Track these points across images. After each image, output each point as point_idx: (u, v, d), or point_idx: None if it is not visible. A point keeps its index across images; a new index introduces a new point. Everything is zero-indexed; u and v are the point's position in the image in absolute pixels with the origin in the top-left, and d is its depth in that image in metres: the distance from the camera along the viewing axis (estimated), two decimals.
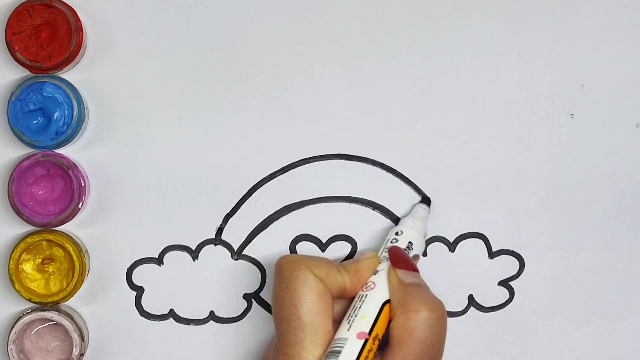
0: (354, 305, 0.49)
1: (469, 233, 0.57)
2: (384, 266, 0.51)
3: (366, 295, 0.50)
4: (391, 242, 0.53)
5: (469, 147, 0.57)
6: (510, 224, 0.57)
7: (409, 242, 0.53)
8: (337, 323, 0.50)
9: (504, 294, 0.57)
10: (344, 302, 0.51)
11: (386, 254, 0.52)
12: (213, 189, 0.56)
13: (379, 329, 0.49)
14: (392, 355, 0.48)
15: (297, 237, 0.57)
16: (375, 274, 0.51)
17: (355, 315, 0.49)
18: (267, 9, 0.56)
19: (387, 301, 0.50)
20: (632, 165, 0.57)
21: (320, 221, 0.57)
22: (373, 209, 0.57)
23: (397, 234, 0.54)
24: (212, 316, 0.57)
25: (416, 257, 0.54)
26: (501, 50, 0.57)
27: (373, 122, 0.57)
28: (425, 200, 0.56)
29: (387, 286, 0.50)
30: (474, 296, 0.57)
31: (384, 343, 0.49)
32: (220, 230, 0.56)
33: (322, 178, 0.57)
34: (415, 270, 0.51)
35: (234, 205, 0.56)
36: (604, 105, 0.57)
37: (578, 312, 0.58)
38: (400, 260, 0.51)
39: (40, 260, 0.55)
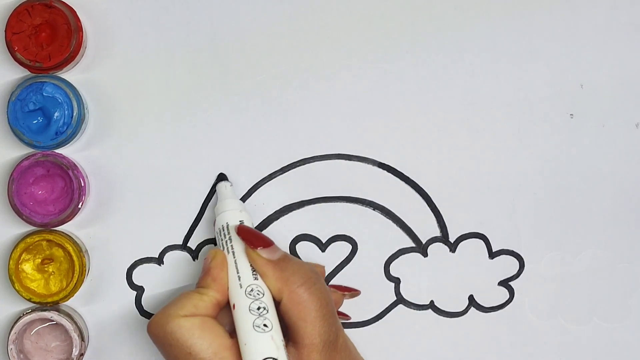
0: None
1: (469, 233, 0.57)
2: (236, 256, 0.51)
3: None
4: (222, 235, 0.52)
5: (469, 147, 0.57)
6: (510, 224, 0.57)
7: (240, 221, 0.52)
8: (232, 332, 0.49)
9: (504, 294, 0.58)
10: (227, 310, 0.51)
11: (228, 245, 0.51)
12: (213, 188, 0.56)
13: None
14: (302, 331, 0.48)
15: (297, 237, 0.57)
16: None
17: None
18: (267, 9, 0.56)
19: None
20: (632, 165, 0.57)
21: (320, 221, 0.57)
22: (373, 209, 0.57)
23: (222, 226, 0.53)
24: None
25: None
26: (501, 50, 0.57)
27: (373, 122, 0.57)
28: (221, 177, 0.56)
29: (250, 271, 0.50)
30: (474, 296, 0.57)
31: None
32: None
33: (322, 178, 0.57)
34: (271, 243, 0.51)
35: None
36: (604, 105, 0.57)
37: (578, 312, 0.58)
38: (257, 238, 0.51)
39: (40, 260, 0.55)
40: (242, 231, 0.51)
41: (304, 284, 0.49)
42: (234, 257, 0.51)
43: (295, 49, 0.56)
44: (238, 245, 0.51)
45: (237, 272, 0.50)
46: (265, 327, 0.48)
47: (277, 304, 0.49)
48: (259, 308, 0.49)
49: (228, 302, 0.50)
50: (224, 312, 0.51)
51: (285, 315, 0.49)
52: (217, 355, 0.48)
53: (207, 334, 0.48)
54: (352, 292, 0.56)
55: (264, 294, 0.49)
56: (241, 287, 0.50)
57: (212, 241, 0.56)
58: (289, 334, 0.49)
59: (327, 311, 0.49)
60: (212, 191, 0.56)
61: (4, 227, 0.56)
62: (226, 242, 0.52)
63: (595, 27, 0.57)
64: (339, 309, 0.56)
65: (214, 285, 0.50)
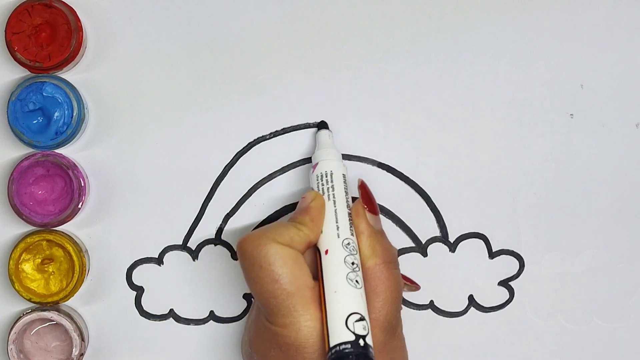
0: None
1: (469, 233, 0.57)
2: (336, 205, 0.51)
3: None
4: (323, 180, 0.52)
5: (469, 147, 0.57)
6: (510, 224, 0.57)
7: (342, 175, 0.53)
8: (314, 275, 0.49)
9: (504, 294, 0.58)
10: (311, 251, 0.51)
11: (330, 192, 0.51)
12: (213, 188, 0.56)
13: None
14: (372, 304, 0.48)
15: None
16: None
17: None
18: (267, 9, 0.56)
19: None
20: (632, 165, 0.57)
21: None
22: None
23: (327, 173, 0.52)
24: (212, 316, 0.57)
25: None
26: (501, 50, 0.57)
27: (373, 122, 0.56)
28: (323, 125, 0.56)
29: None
30: (474, 296, 0.57)
31: None
32: (220, 230, 0.56)
33: None
34: (378, 213, 0.51)
35: (234, 205, 0.56)
36: (604, 105, 0.57)
37: (578, 312, 0.58)
38: (371, 200, 0.51)
39: (40, 260, 0.55)
40: (364, 188, 0.52)
41: (390, 262, 0.49)
42: (335, 207, 0.50)
43: (295, 49, 0.56)
44: (340, 195, 0.51)
45: (336, 222, 0.50)
46: (357, 283, 0.48)
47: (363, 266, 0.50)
48: (353, 263, 0.48)
49: (312, 246, 0.50)
50: (307, 254, 0.50)
51: (365, 282, 0.49)
52: (300, 291, 0.47)
53: (297, 268, 0.48)
54: (412, 286, 0.56)
55: (357, 252, 0.49)
56: (339, 237, 0.49)
57: (212, 241, 0.56)
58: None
59: (398, 296, 0.49)
60: (212, 191, 0.56)
61: (4, 227, 0.56)
62: (328, 188, 0.51)
63: (595, 27, 0.57)
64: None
65: (311, 225, 0.50)
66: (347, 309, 0.47)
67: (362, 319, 0.46)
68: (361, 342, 0.46)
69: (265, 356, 0.49)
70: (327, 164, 0.53)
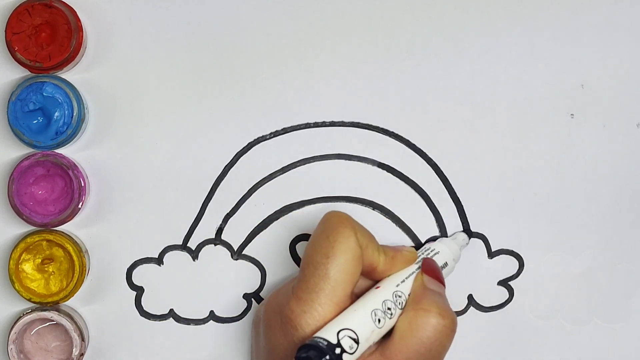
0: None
1: (468, 233, 0.57)
2: (413, 269, 0.52)
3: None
4: (428, 253, 0.53)
5: (469, 147, 0.57)
6: (510, 224, 0.57)
7: (445, 263, 0.54)
8: (355, 296, 0.49)
9: (503, 294, 0.57)
10: (365, 281, 0.51)
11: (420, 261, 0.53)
12: (213, 188, 0.56)
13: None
14: (391, 345, 0.47)
15: (297, 237, 0.57)
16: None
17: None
18: (267, 9, 0.56)
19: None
20: (632, 165, 0.57)
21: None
22: (373, 209, 0.57)
23: (434, 250, 0.54)
24: (212, 316, 0.57)
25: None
26: (501, 50, 0.57)
27: (373, 122, 0.56)
28: (468, 232, 0.57)
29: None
30: (474, 296, 0.57)
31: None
32: (220, 230, 0.56)
33: (322, 178, 0.57)
34: (442, 283, 0.51)
35: (234, 205, 0.56)
36: (604, 105, 0.57)
37: (578, 312, 0.58)
38: (432, 270, 0.52)
39: (40, 260, 0.55)
40: (426, 262, 0.52)
41: (430, 311, 0.48)
42: (415, 270, 0.52)
43: (295, 49, 0.56)
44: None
45: (406, 278, 0.51)
46: (377, 321, 0.48)
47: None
48: (389, 309, 0.49)
49: (372, 277, 0.51)
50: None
51: (395, 327, 0.48)
52: (335, 282, 0.47)
53: (351, 266, 0.48)
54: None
55: (401, 308, 0.49)
56: (397, 286, 0.50)
57: (212, 241, 0.56)
58: (385, 340, 0.48)
59: (424, 352, 0.47)
60: (212, 191, 0.56)
61: (4, 227, 0.56)
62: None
63: (595, 27, 0.57)
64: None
65: (390, 259, 0.50)
66: (348, 324, 0.46)
67: (356, 341, 0.46)
68: (337, 350, 0.45)
69: (268, 319, 0.49)
70: (450, 261, 0.54)
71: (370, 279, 0.51)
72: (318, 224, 0.50)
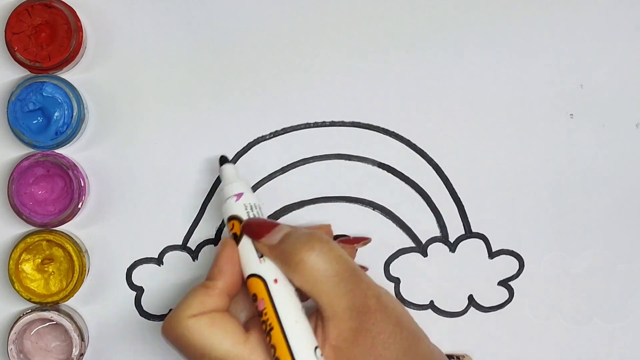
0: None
1: (469, 233, 0.57)
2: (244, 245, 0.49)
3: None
4: (230, 219, 0.50)
5: (469, 147, 0.57)
6: (510, 224, 0.57)
7: (248, 203, 0.50)
8: (249, 320, 0.49)
9: (503, 294, 0.58)
10: (242, 296, 0.50)
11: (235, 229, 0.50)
12: (213, 188, 0.56)
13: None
14: (320, 305, 0.46)
15: None
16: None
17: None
18: (267, 9, 0.56)
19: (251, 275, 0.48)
20: (632, 165, 0.57)
21: (320, 221, 0.57)
22: (373, 209, 0.57)
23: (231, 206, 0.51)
24: None
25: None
26: (501, 50, 0.57)
27: (373, 122, 0.56)
28: (223, 160, 0.53)
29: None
30: (474, 296, 0.57)
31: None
32: (220, 230, 0.56)
33: (322, 178, 0.57)
34: (274, 225, 0.48)
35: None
36: (604, 105, 0.57)
37: (578, 312, 0.58)
38: (259, 229, 0.48)
39: (40, 260, 0.55)
40: (246, 226, 0.49)
41: (304, 253, 0.46)
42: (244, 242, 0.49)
43: (295, 48, 0.56)
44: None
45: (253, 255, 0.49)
46: (304, 314, 0.47)
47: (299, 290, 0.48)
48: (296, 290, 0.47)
49: (237, 291, 0.49)
50: (239, 299, 0.49)
51: (302, 293, 0.47)
52: (230, 352, 0.46)
53: (219, 332, 0.46)
54: (364, 242, 0.54)
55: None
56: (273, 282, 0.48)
57: (212, 241, 0.56)
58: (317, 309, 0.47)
59: (343, 276, 0.46)
60: (212, 191, 0.56)
61: (4, 227, 0.56)
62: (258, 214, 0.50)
63: (595, 27, 0.57)
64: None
65: (221, 276, 0.48)
66: (312, 340, 0.46)
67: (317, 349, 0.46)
68: None
69: None
70: (228, 208, 0.51)
71: (236, 293, 0.49)
72: (173, 347, 0.48)
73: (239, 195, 0.50)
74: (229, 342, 0.46)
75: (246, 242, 0.49)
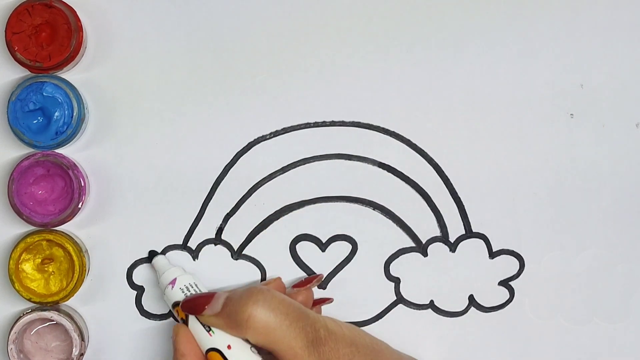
0: None
1: (469, 233, 0.57)
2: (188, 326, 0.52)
3: None
4: (174, 306, 0.53)
5: (469, 147, 0.57)
6: (511, 224, 0.57)
7: (183, 286, 0.53)
8: None
9: (504, 294, 0.58)
10: None
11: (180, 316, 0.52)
12: (213, 188, 0.56)
13: None
14: (281, 352, 0.48)
15: (297, 237, 0.57)
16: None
17: None
18: (267, 9, 0.56)
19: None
20: (632, 165, 0.57)
21: (320, 221, 0.57)
22: (373, 209, 0.57)
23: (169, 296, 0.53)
24: None
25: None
26: (501, 51, 0.57)
27: (373, 122, 0.57)
28: (152, 254, 0.56)
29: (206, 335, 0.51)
30: (474, 296, 0.57)
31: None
32: (220, 230, 0.56)
33: (322, 178, 0.57)
34: (211, 296, 0.51)
35: (234, 205, 0.56)
36: (604, 105, 0.57)
37: (578, 312, 0.58)
38: (198, 306, 0.51)
39: (40, 260, 0.55)
40: (184, 306, 0.51)
41: (249, 315, 0.48)
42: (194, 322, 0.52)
43: (295, 48, 0.56)
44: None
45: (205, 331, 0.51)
46: None
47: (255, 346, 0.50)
48: (254, 347, 0.50)
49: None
50: None
51: (262, 348, 0.49)
52: None
53: None
54: (315, 279, 0.55)
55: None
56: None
57: (212, 241, 0.56)
58: (277, 357, 0.49)
59: (290, 319, 0.49)
60: (213, 191, 0.56)
61: (4, 227, 0.56)
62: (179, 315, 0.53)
63: (595, 27, 0.57)
64: (318, 297, 0.56)
65: (185, 359, 0.50)
66: None
67: None
68: None
69: None
70: (186, 278, 0.53)
71: None
72: None
73: (173, 282, 0.53)
74: None
75: (193, 322, 0.51)
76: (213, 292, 0.51)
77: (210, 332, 0.50)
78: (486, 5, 0.56)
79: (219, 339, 0.50)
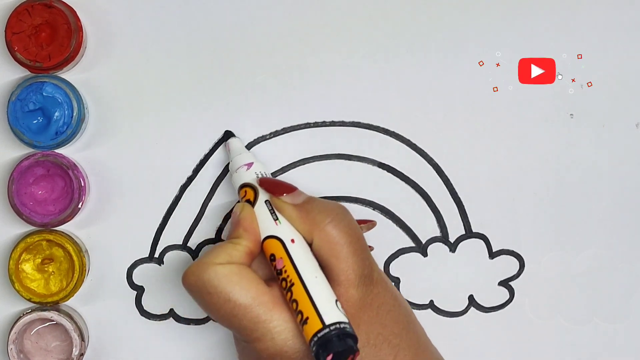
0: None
1: (469, 233, 0.57)
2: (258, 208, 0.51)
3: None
4: (242, 187, 0.52)
5: (469, 147, 0.57)
6: (511, 224, 0.57)
7: (259, 172, 0.53)
8: (271, 280, 0.49)
9: (504, 294, 0.58)
10: (261, 259, 0.51)
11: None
12: (213, 188, 0.56)
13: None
14: (336, 268, 0.48)
15: None
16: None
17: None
18: (267, 9, 0.56)
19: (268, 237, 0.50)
20: (632, 165, 0.57)
21: None
22: (373, 209, 0.57)
23: (248, 170, 0.53)
24: None
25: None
26: (501, 50, 0.57)
27: (373, 121, 0.56)
28: (228, 134, 0.56)
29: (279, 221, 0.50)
30: (474, 296, 0.57)
31: None
32: (220, 230, 0.56)
33: (322, 178, 0.57)
34: (294, 188, 0.51)
35: (233, 205, 0.56)
36: (604, 105, 0.57)
37: (578, 312, 0.58)
38: (278, 187, 0.51)
39: (40, 260, 0.55)
40: (264, 182, 0.51)
41: (331, 221, 0.48)
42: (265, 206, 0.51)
43: (295, 49, 0.56)
44: (263, 196, 0.51)
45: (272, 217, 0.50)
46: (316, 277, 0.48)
47: (310, 245, 0.49)
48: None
49: (262, 251, 0.50)
50: (258, 262, 0.50)
51: (318, 255, 0.49)
52: (256, 300, 0.47)
53: (244, 281, 0.47)
54: (369, 224, 0.55)
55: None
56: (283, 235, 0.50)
57: (212, 241, 0.56)
58: (326, 272, 0.48)
59: (358, 246, 0.49)
60: (213, 191, 0.56)
61: (4, 227, 0.56)
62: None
63: (595, 27, 0.57)
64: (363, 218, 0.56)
65: (246, 235, 0.50)
66: (332, 293, 0.47)
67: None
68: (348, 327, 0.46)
69: None
70: (263, 166, 0.53)
71: (256, 257, 0.50)
72: (191, 294, 0.49)
73: (250, 165, 0.53)
74: (254, 291, 0.47)
75: (261, 206, 0.51)
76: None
77: (277, 221, 0.50)
78: (486, 5, 0.56)
79: (285, 230, 0.49)
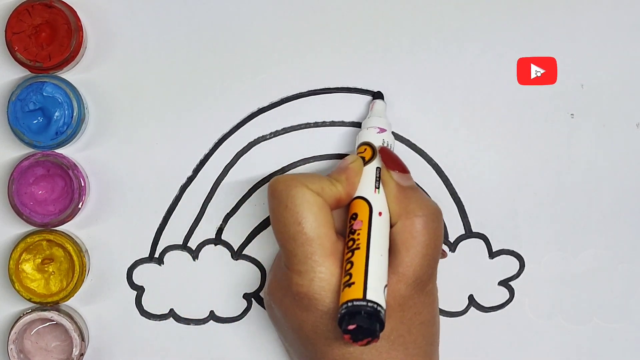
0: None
1: (469, 233, 0.57)
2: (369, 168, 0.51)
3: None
4: (363, 144, 0.53)
5: (469, 147, 0.57)
6: (510, 224, 0.57)
7: (387, 141, 0.53)
8: (339, 234, 0.49)
9: (504, 294, 0.57)
10: (341, 212, 0.51)
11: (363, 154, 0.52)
12: (213, 188, 0.56)
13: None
14: (400, 262, 0.48)
15: None
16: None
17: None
18: (267, 9, 0.56)
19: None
20: (632, 165, 0.57)
21: None
22: None
23: (378, 134, 0.53)
24: (212, 316, 0.57)
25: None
26: (501, 50, 0.57)
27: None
28: (378, 95, 0.56)
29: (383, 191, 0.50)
30: (474, 296, 0.57)
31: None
32: (220, 230, 0.56)
33: None
34: (407, 171, 0.51)
35: (234, 205, 0.56)
36: (604, 105, 0.57)
37: (578, 312, 0.58)
38: (394, 162, 0.51)
39: (40, 260, 0.55)
40: (384, 152, 0.52)
41: (422, 216, 0.49)
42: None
43: (295, 49, 0.56)
44: (377, 162, 0.52)
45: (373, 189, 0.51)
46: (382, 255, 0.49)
47: (391, 227, 0.49)
48: None
49: (347, 206, 0.50)
50: (337, 214, 0.50)
51: (393, 239, 0.49)
52: (320, 239, 0.47)
53: (322, 216, 0.48)
54: (443, 253, 0.55)
55: None
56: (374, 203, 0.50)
57: (212, 241, 0.56)
58: (390, 257, 0.49)
59: (431, 252, 0.49)
60: (213, 191, 0.56)
61: (4, 227, 0.56)
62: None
63: (595, 27, 0.57)
64: None
65: (345, 183, 0.50)
66: (385, 277, 0.47)
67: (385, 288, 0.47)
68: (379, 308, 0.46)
69: (280, 303, 0.50)
70: (389, 137, 0.53)
71: (342, 207, 0.51)
72: (269, 196, 0.49)
73: (382, 130, 0.53)
74: (324, 231, 0.48)
75: (370, 169, 0.51)
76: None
77: (377, 190, 0.50)
78: (486, 5, 0.56)
79: (379, 201, 0.50)
